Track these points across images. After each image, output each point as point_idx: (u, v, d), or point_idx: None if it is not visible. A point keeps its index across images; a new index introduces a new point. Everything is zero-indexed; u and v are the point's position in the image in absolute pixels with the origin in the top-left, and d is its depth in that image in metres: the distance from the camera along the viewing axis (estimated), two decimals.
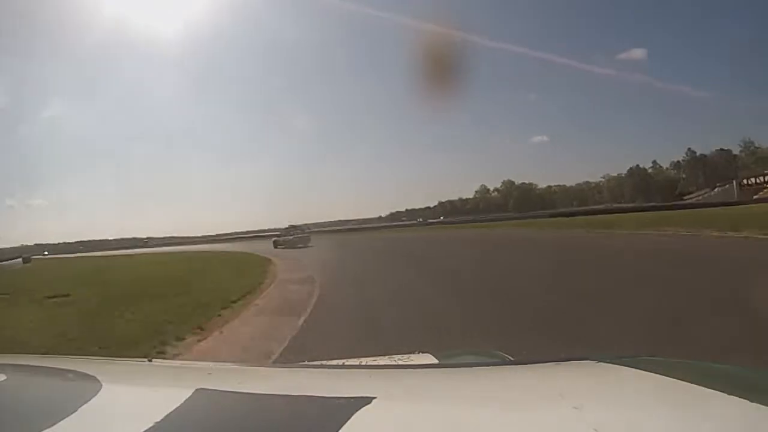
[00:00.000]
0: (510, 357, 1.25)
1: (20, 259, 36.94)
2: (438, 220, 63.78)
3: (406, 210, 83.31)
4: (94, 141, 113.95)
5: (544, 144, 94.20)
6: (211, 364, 0.98)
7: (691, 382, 0.67)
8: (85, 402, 0.65)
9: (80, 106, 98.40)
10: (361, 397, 0.60)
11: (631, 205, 49.60)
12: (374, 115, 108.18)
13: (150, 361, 1.32)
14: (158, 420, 0.56)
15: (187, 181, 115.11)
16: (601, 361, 0.84)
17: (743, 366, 0.79)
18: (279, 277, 10.71)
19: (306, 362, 1.23)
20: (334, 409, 0.61)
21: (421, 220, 66.19)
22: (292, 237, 27.58)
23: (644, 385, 0.72)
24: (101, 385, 0.73)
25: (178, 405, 0.61)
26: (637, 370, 0.78)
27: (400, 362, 1.25)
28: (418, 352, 1.32)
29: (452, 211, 75.58)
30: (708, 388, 0.64)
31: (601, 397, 0.69)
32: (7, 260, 38.07)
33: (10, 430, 0.62)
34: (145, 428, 0.54)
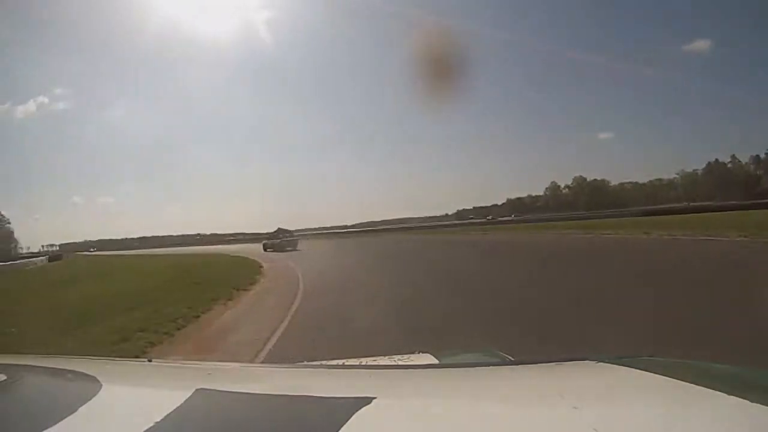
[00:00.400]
0: (510, 357, 1.25)
1: (45, 258, 37.76)
2: (509, 218, 56.94)
3: (474, 208, 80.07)
4: (156, 141, 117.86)
5: (611, 140, 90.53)
6: (211, 364, 0.98)
7: (691, 382, 0.67)
8: (85, 402, 0.65)
9: (143, 107, 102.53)
10: (361, 397, 0.60)
11: (713, 203, 41.70)
12: (440, 112, 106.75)
13: (150, 361, 1.32)
14: (158, 420, 0.56)
15: (248, 178, 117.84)
16: (601, 361, 0.84)
17: (743, 366, 0.79)
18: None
19: (306, 362, 1.23)
20: (334, 409, 0.61)
21: (490, 217, 60.28)
22: (279, 240, 27.36)
23: (644, 385, 0.72)
24: (101, 385, 0.73)
25: (178, 405, 0.61)
26: (637, 370, 0.78)
27: (400, 362, 1.25)
28: (418, 352, 1.32)
29: (521, 209, 71.35)
30: (708, 388, 0.64)
31: (601, 397, 0.69)
32: (27, 258, 38.59)
33: (10, 430, 0.62)
34: (145, 428, 0.54)
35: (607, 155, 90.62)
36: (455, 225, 52.83)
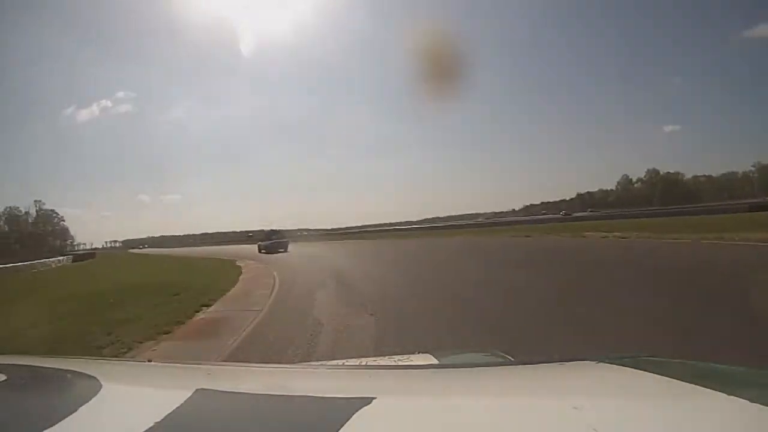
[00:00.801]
0: (510, 357, 1.25)
1: (68, 257, 38.48)
2: (585, 213, 50.98)
3: (542, 203, 76.98)
4: (219, 139, 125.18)
5: (677, 132, 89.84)
6: (211, 364, 0.98)
7: (691, 382, 0.67)
8: (85, 402, 0.65)
9: (205, 107, 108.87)
10: (361, 397, 0.60)
11: None
12: (503, 106, 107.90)
13: (150, 361, 1.32)
14: (158, 420, 0.56)
15: (310, 175, 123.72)
16: (601, 361, 0.84)
17: (743, 366, 0.79)
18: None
19: (306, 362, 1.23)
20: (334, 409, 0.61)
21: (564, 212, 55.07)
22: (269, 242, 27.10)
23: (644, 385, 0.72)
24: (101, 386, 0.73)
25: (178, 405, 0.61)
26: (637, 370, 0.78)
27: (400, 363, 1.25)
28: (418, 353, 1.32)
29: (591, 204, 67.68)
30: (708, 388, 0.64)
31: (601, 397, 0.69)
32: (63, 255, 39.57)
33: (10, 430, 0.62)
34: (145, 428, 0.54)
35: (674, 148, 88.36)
36: (522, 222, 45.73)
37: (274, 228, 31.62)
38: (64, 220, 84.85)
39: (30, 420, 0.64)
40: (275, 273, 12.21)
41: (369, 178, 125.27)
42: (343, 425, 0.52)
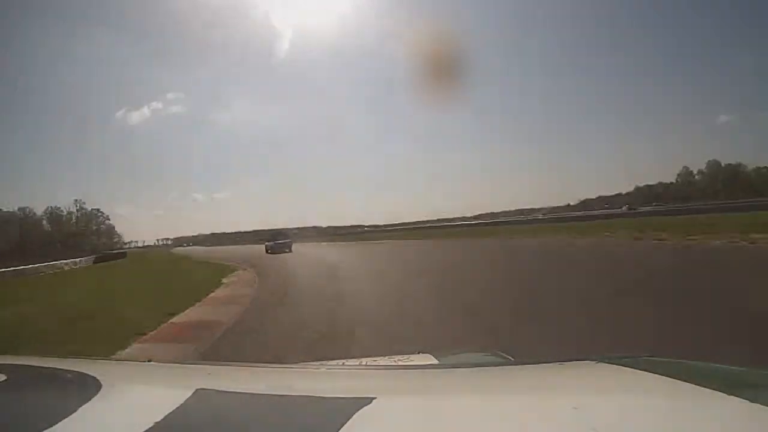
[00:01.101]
0: (510, 357, 1.25)
1: (89, 258, 37.94)
2: (651, 207, 44.98)
3: (598, 197, 71.28)
4: (269, 137, 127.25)
5: (731, 123, 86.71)
6: (211, 364, 0.98)
7: (691, 382, 0.67)
8: (85, 402, 0.65)
9: (255, 107, 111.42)
10: (361, 397, 0.60)
11: None
12: (555, 99, 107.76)
13: (150, 361, 1.32)
14: (158, 420, 0.56)
15: (361, 171, 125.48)
16: (601, 361, 0.84)
17: (743, 366, 0.79)
18: None
19: (306, 362, 1.23)
20: (334, 409, 0.61)
21: (626, 208, 47.97)
22: (274, 243, 28.41)
23: (644, 385, 0.72)
24: (101, 386, 0.73)
25: (178, 405, 0.61)
26: (637, 370, 0.78)
27: (400, 362, 1.25)
28: (419, 353, 1.32)
29: (650, 198, 62.99)
30: (708, 388, 0.64)
31: (601, 397, 0.69)
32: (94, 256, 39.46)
33: (10, 430, 0.62)
34: (145, 428, 0.54)
35: (729, 138, 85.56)
36: (588, 217, 38.92)
37: (279, 230, 34.17)
38: (109, 219, 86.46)
39: (30, 420, 0.64)
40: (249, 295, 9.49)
41: (421, 173, 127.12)
42: (343, 425, 0.52)
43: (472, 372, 0.98)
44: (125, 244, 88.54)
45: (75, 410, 0.61)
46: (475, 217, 70.22)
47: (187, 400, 0.64)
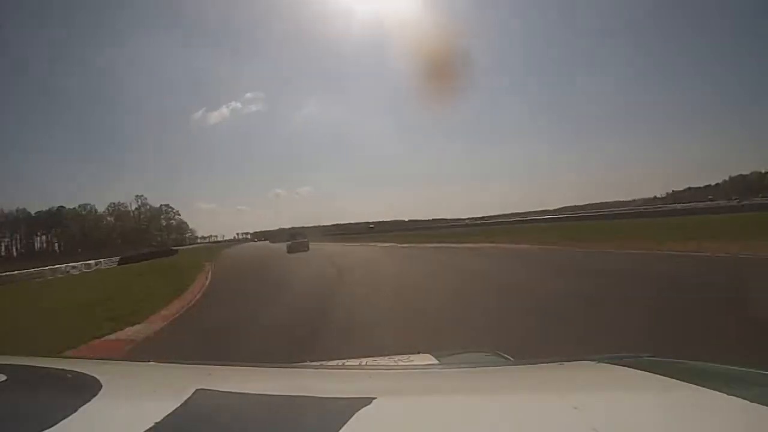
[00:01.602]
0: (510, 357, 1.25)
1: (115, 258, 36.43)
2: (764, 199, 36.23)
3: (688, 188, 66.26)
4: (349, 131, 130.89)
5: None
6: (211, 364, 0.97)
7: (691, 382, 0.67)
8: (85, 402, 0.64)
9: (334, 102, 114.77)
10: (361, 398, 0.60)
11: None
12: (632, 86, 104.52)
13: (150, 361, 1.32)
14: (158, 420, 0.56)
15: (440, 164, 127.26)
16: (601, 361, 0.84)
17: (743, 366, 0.79)
18: None
19: (306, 362, 1.23)
20: (334, 409, 0.61)
21: (736, 200, 38.96)
22: (291, 242, 29.03)
23: (644, 385, 0.72)
24: (101, 386, 0.73)
25: (178, 405, 0.61)
26: (637, 370, 0.78)
27: (400, 363, 1.25)
28: (418, 353, 1.32)
29: (745, 189, 57.82)
30: (708, 388, 0.64)
31: (601, 397, 0.69)
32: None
33: (10, 430, 0.62)
34: (145, 428, 0.54)
35: None
36: (687, 211, 31.09)
37: (296, 230, 35.73)
38: (179, 214, 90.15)
39: (30, 420, 0.64)
40: None
41: (498, 166, 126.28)
42: (343, 425, 0.52)
43: (472, 372, 0.98)
44: (204, 238, 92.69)
45: (75, 410, 0.61)
46: (559, 211, 64.94)
47: (187, 400, 0.64)
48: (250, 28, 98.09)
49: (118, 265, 34.11)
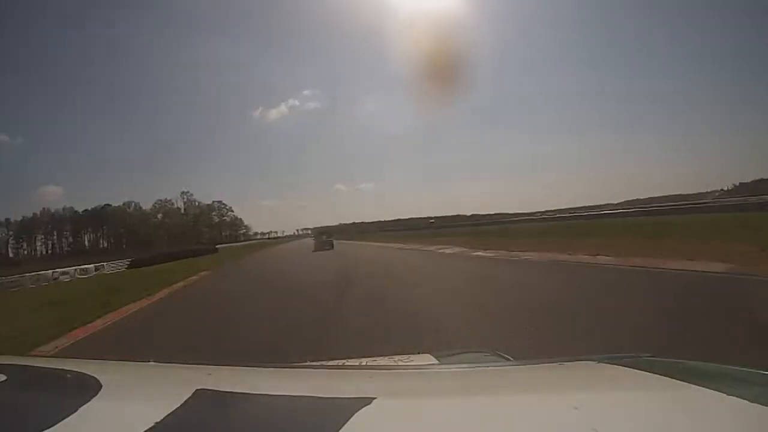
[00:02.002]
0: (510, 357, 1.25)
1: (125, 261, 33.33)
2: None
3: (758, 180, 54.98)
4: (409, 126, 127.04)
5: None
6: (211, 364, 0.97)
7: (691, 382, 0.67)
8: (85, 402, 0.64)
9: (393, 96, 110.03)
10: (361, 398, 0.60)
11: None
12: (695, 75, 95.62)
13: (150, 361, 1.33)
14: (158, 420, 0.56)
15: (503, 158, 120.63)
16: (601, 361, 0.84)
17: (743, 366, 0.79)
18: None
19: (306, 362, 1.23)
20: (334, 409, 0.61)
21: None
22: (317, 241, 30.65)
23: (644, 385, 0.72)
24: (101, 386, 0.73)
25: (178, 405, 0.61)
26: (637, 370, 0.78)
27: (400, 363, 1.25)
28: (419, 353, 1.32)
29: None
30: (708, 388, 0.64)
31: (601, 397, 0.69)
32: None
33: (10, 430, 0.62)
34: (145, 428, 0.54)
35: None
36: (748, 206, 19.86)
37: (324, 228, 38.60)
38: (232, 210, 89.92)
39: (30, 420, 0.64)
40: None
41: (563, 159, 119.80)
42: (343, 425, 0.52)
43: (472, 372, 0.98)
44: (263, 234, 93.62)
45: (75, 410, 0.61)
46: (623, 204, 56.67)
47: (187, 400, 0.64)
48: (306, 25, 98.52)
49: (127, 268, 31.67)
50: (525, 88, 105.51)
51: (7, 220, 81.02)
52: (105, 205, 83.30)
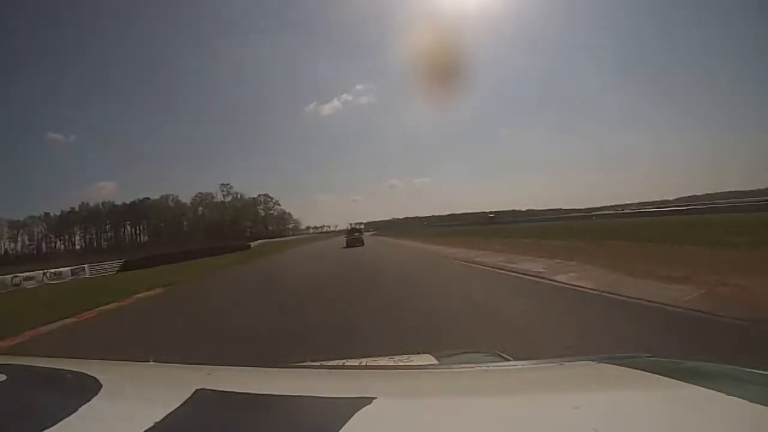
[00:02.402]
0: (510, 357, 1.25)
1: (118, 262, 29.86)
2: None
3: None
4: (466, 120, 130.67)
5: None
6: (211, 364, 0.97)
7: (691, 382, 0.67)
8: (85, 402, 0.65)
9: (448, 89, 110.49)
10: (361, 398, 0.60)
11: None
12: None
13: (150, 361, 1.33)
14: (158, 420, 0.56)
15: (560, 152, 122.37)
16: (601, 361, 0.85)
17: (743, 366, 0.79)
18: None
19: (306, 362, 1.23)
20: (334, 409, 0.61)
21: None
22: (348, 237, 31.99)
23: (644, 385, 0.72)
24: (101, 386, 0.73)
25: (178, 405, 0.61)
26: (637, 370, 0.78)
27: (400, 363, 1.25)
28: (419, 353, 1.32)
29: None
30: (708, 388, 0.64)
31: (601, 397, 0.69)
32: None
33: (10, 430, 0.62)
34: (145, 428, 0.54)
35: None
36: None
37: (355, 226, 40.42)
38: (279, 204, 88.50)
39: (30, 420, 0.64)
40: None
41: (624, 153, 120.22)
42: (343, 425, 0.52)
43: (472, 372, 0.98)
44: (315, 228, 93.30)
45: (75, 410, 0.61)
46: (679, 201, 53.02)
47: (187, 400, 0.64)
48: (359, 18, 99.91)
49: (119, 271, 28.47)
50: (587, 81, 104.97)
51: (47, 214, 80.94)
52: (144, 198, 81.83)
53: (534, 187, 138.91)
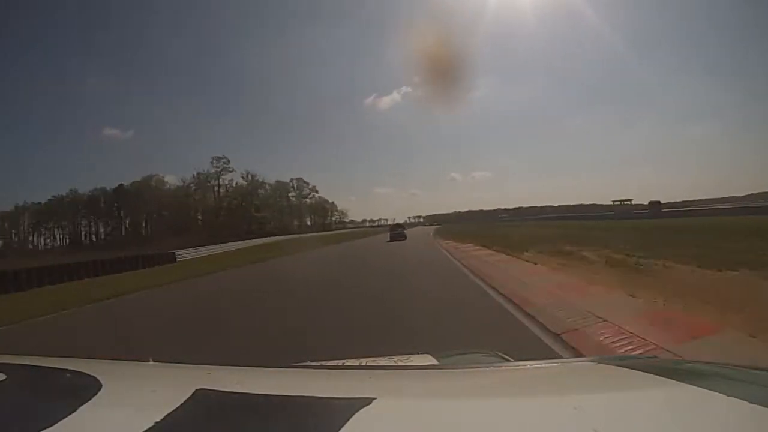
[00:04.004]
0: (510, 357, 1.25)
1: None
2: None
3: None
4: (527, 113, 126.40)
5: None
6: (211, 364, 0.98)
7: (691, 383, 0.67)
8: (85, 402, 0.65)
9: (509, 81, 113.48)
10: (361, 398, 0.60)
11: None
12: None
13: (150, 361, 1.33)
14: (158, 420, 0.56)
15: (624, 146, 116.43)
16: (601, 362, 0.85)
17: (743, 366, 0.79)
18: None
19: (306, 362, 1.23)
20: (334, 409, 0.61)
21: None
22: (392, 233, 35.37)
23: (644, 385, 0.72)
24: (101, 385, 0.73)
25: (178, 405, 0.61)
26: (637, 371, 0.78)
27: (400, 363, 1.25)
28: (419, 353, 1.32)
29: None
30: (708, 388, 0.64)
31: (601, 397, 0.69)
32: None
33: (10, 430, 0.62)
34: (145, 428, 0.54)
35: None
36: None
37: (398, 223, 44.81)
38: (317, 191, 75.81)
39: (30, 420, 0.64)
40: None
41: (686, 146, 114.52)
42: (343, 426, 0.52)
43: (472, 372, 0.98)
44: (372, 222, 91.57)
45: (75, 410, 0.61)
46: (749, 196, 46.26)
47: (187, 400, 0.64)
48: (418, 8, 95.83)
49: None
50: (647, 75, 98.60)
51: (25, 203, 69.61)
52: (119, 185, 66.31)
53: (593, 182, 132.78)
